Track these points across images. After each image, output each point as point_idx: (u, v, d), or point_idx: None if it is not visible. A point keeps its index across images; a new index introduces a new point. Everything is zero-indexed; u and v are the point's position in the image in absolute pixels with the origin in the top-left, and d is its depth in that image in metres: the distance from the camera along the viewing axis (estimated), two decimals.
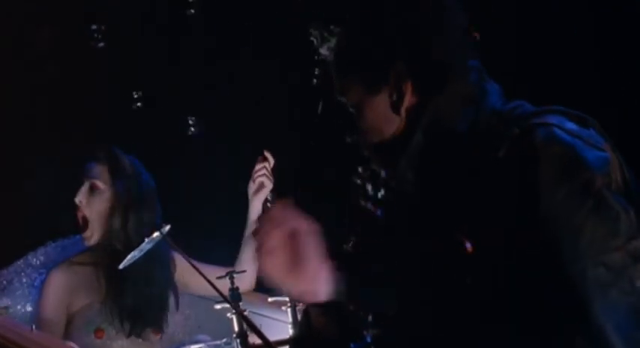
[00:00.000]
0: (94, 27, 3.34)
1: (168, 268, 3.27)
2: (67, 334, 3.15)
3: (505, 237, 1.50)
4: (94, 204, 3.23)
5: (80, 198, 3.23)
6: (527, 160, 1.50)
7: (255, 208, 3.39)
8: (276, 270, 1.63)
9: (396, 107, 1.66)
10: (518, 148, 1.53)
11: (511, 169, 1.52)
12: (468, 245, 1.55)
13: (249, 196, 3.42)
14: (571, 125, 1.56)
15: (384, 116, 1.67)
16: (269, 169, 3.42)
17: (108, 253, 3.23)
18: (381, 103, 1.67)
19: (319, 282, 1.64)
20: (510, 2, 3.30)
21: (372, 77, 1.67)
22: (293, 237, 1.63)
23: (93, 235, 3.24)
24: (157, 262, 3.21)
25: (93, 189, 3.24)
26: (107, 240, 3.24)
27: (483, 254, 1.53)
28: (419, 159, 1.65)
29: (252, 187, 3.41)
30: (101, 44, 3.36)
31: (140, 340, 3.17)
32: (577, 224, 1.46)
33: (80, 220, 3.24)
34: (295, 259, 1.63)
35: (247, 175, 3.41)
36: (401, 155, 1.67)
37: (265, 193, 3.37)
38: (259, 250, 1.64)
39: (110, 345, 3.14)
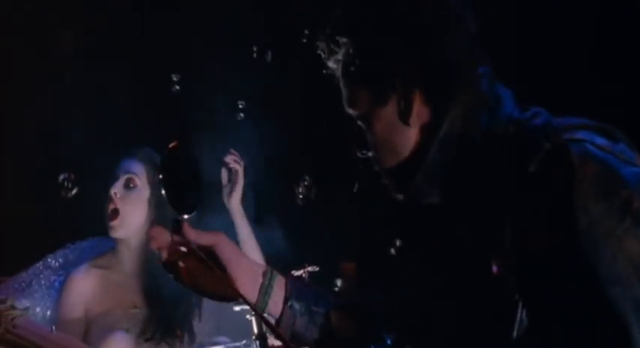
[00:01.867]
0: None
1: None
2: (87, 340, 3.15)
3: (537, 253, 1.49)
4: (128, 198, 3.22)
5: (116, 190, 3.20)
6: (562, 178, 1.48)
7: (236, 209, 3.40)
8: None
9: (404, 116, 1.65)
10: (551, 165, 1.51)
11: (544, 186, 1.50)
12: (495, 268, 1.56)
13: (226, 202, 3.42)
14: (601, 140, 1.54)
15: (394, 127, 1.66)
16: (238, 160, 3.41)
17: (131, 256, 3.26)
18: (389, 113, 1.66)
19: (246, 286, 1.75)
20: (510, 2, 3.32)
21: (380, 86, 1.66)
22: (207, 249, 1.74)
23: (120, 227, 3.22)
24: None
25: (129, 183, 3.23)
26: (132, 238, 3.25)
27: (511, 272, 1.52)
28: (438, 173, 1.64)
29: (225, 192, 3.42)
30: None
31: (162, 343, 3.18)
32: (615, 243, 1.45)
33: (110, 212, 3.21)
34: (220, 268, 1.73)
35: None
36: (416, 170, 1.65)
37: (239, 190, 3.37)
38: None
39: None
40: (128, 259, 3.27)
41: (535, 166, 1.53)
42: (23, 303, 3.17)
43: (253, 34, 3.94)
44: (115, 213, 3.20)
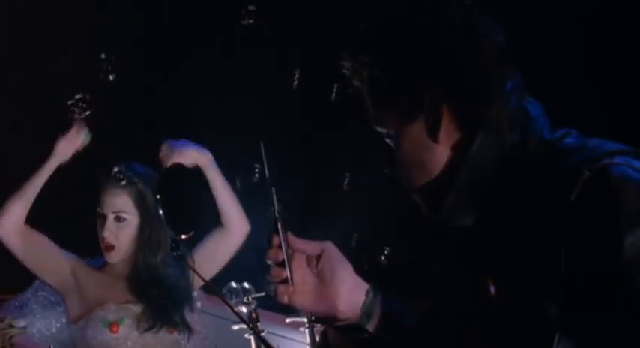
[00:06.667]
0: (102, 57, 3.28)
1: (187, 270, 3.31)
2: (83, 333, 3.21)
3: (585, 283, 1.46)
4: (121, 232, 3.26)
5: (108, 233, 3.25)
6: (605, 203, 1.46)
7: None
8: (304, 298, 1.65)
9: (433, 134, 1.61)
10: (592, 192, 1.48)
11: (587, 213, 1.47)
12: (492, 289, 1.55)
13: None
14: (639, 164, 1.52)
15: (422, 145, 1.62)
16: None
17: (128, 265, 3.32)
18: (417, 131, 1.62)
19: (346, 303, 1.66)
20: (509, 2, 3.28)
21: (407, 104, 1.62)
22: (313, 260, 1.66)
23: (117, 255, 3.29)
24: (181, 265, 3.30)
25: (119, 220, 3.26)
26: (131, 258, 3.31)
27: (554, 301, 1.50)
28: (470, 195, 1.61)
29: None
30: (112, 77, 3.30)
31: (155, 337, 3.22)
32: None
33: (105, 247, 3.27)
34: (322, 282, 1.65)
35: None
36: (448, 190, 1.61)
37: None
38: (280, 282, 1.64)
39: (125, 342, 3.19)
40: (119, 264, 3.34)
41: (576, 195, 1.49)
42: (21, 321, 3.21)
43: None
44: (111, 248, 3.27)
